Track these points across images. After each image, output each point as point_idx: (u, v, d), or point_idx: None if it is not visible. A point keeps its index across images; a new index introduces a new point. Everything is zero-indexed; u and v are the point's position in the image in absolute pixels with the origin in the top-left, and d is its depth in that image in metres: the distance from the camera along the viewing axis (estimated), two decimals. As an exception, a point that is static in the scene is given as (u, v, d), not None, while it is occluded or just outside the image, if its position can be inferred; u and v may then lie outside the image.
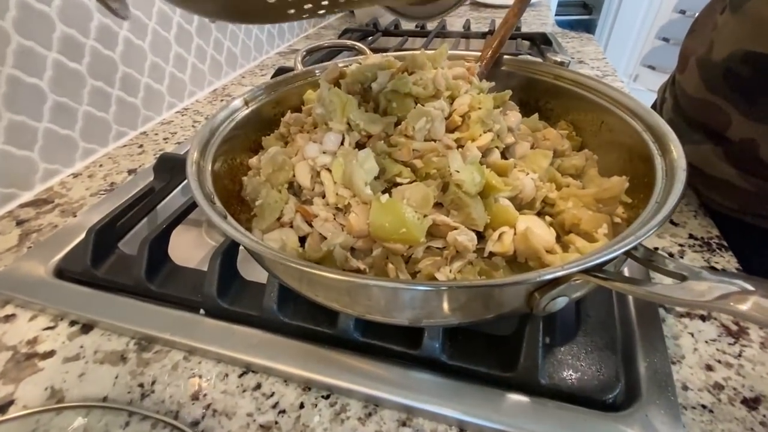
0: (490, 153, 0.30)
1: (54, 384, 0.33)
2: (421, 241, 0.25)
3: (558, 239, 0.29)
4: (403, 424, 0.29)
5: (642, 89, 2.78)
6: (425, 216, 0.26)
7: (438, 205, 0.27)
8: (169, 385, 0.33)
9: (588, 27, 3.20)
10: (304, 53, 0.49)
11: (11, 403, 0.32)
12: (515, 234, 0.26)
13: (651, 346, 0.32)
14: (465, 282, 0.20)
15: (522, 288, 0.21)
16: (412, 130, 0.28)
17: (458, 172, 0.26)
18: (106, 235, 0.41)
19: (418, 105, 0.29)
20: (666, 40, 2.56)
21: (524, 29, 1.19)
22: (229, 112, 0.39)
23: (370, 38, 1.11)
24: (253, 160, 0.39)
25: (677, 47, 0.55)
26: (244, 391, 0.32)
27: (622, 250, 0.20)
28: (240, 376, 0.33)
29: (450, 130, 0.31)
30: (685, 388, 0.30)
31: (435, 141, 0.30)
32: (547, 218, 0.29)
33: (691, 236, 0.44)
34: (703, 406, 0.29)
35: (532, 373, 0.28)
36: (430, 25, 1.14)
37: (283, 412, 0.30)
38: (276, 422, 0.30)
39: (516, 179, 0.29)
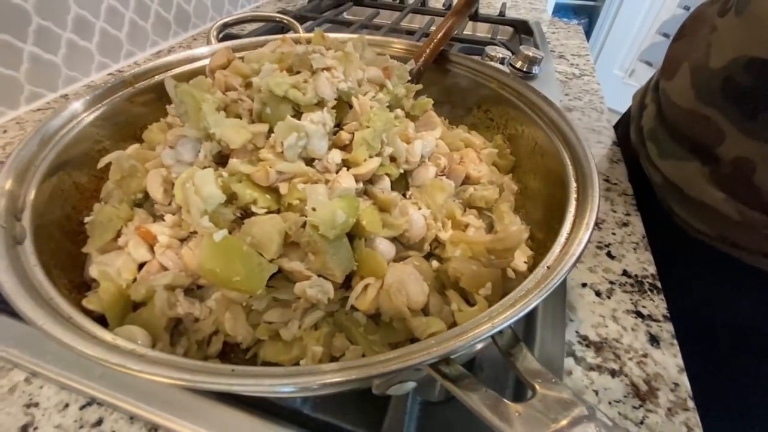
0: (378, 180, 0.25)
1: None
2: (258, 293, 0.21)
3: (445, 288, 0.25)
4: (251, 484, 0.25)
5: (636, 85, 2.73)
6: (271, 261, 0.21)
7: (296, 245, 0.22)
8: (1, 410, 0.28)
9: (591, 13, 3.08)
10: (220, 26, 0.42)
11: None
12: (382, 287, 0.22)
13: (545, 407, 0.28)
14: (280, 381, 0.15)
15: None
16: (281, 146, 0.23)
17: (314, 210, 0.21)
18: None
19: (288, 118, 0.24)
20: (667, 36, 2.48)
21: (512, 13, 1.11)
22: (104, 92, 0.33)
23: (342, 6, 1.02)
24: (129, 150, 0.34)
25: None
26: (81, 427, 0.28)
27: (462, 348, 0.16)
28: (82, 407, 0.29)
29: (339, 147, 0.26)
30: (573, 457, 0.27)
31: (315, 160, 0.25)
32: (435, 263, 0.25)
33: (624, 272, 0.41)
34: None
35: (397, 438, 0.25)
36: (410, -1, 1.05)
37: (118, 457, 0.26)
38: (107, 470, 0.26)
39: (404, 215, 0.25)
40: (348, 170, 0.24)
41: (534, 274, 0.20)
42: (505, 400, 0.15)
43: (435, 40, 0.41)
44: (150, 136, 0.33)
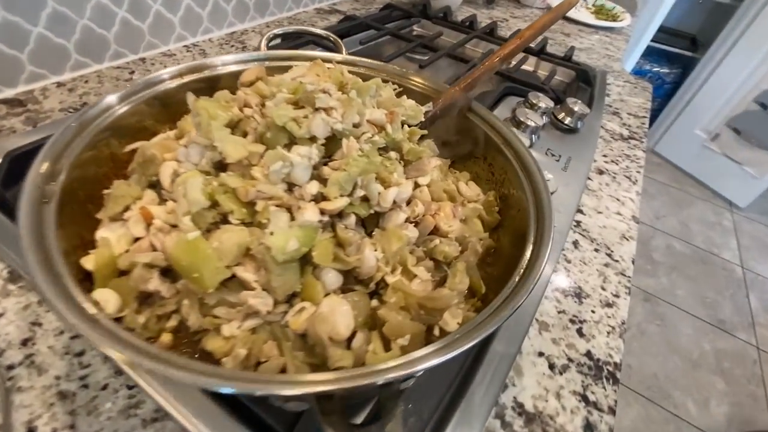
0: (346, 217, 0.28)
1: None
2: (209, 292, 0.24)
3: (376, 327, 0.27)
4: (175, 440, 0.30)
5: (717, 151, 2.51)
6: (228, 267, 0.25)
7: (255, 258, 0.26)
8: (13, 322, 0.35)
9: (687, 65, 2.87)
10: (272, 36, 0.47)
11: None
12: (314, 313, 0.25)
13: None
14: (189, 375, 0.19)
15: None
16: (267, 169, 0.27)
17: (272, 234, 0.24)
18: (23, 162, 0.43)
19: (278, 148, 0.27)
20: (764, 106, 2.26)
21: (584, 56, 1.08)
22: (152, 80, 0.38)
23: (412, 18, 1.05)
24: (155, 140, 0.39)
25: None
26: (67, 353, 0.33)
27: (339, 390, 0.18)
28: (72, 338, 0.34)
29: (322, 179, 0.29)
30: None
31: (294, 186, 0.28)
32: (374, 302, 0.28)
33: (588, 353, 0.41)
34: None
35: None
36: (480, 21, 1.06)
37: (86, 386, 0.32)
38: (74, 393, 0.31)
39: (360, 253, 0.27)
40: (318, 203, 0.27)
41: (446, 339, 0.22)
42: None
43: (458, 87, 0.43)
44: (182, 125, 0.38)
